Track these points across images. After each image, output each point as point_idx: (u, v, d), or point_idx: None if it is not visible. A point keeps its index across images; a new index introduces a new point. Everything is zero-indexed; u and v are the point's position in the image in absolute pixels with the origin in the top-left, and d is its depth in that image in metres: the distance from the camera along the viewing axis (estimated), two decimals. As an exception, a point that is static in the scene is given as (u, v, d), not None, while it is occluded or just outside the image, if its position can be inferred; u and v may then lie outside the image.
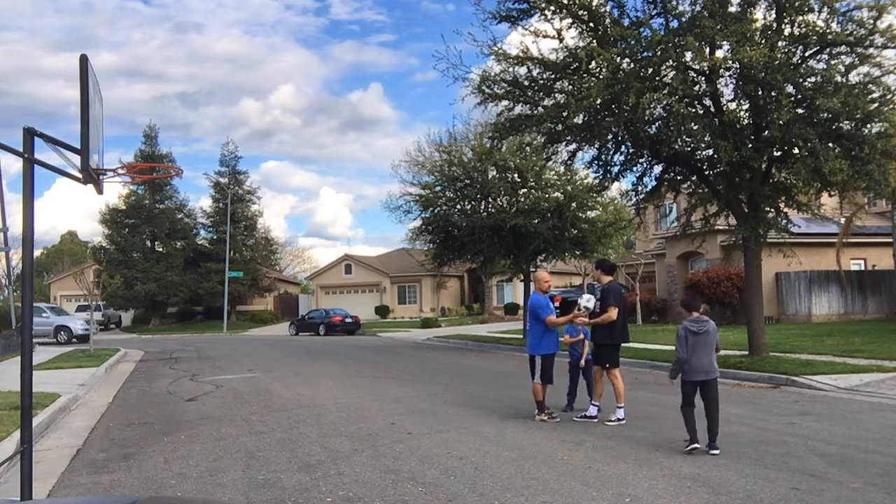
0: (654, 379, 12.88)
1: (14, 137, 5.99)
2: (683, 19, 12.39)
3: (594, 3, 13.13)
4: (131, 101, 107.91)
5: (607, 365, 8.65)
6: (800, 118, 12.00)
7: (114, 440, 8.37)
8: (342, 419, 9.11)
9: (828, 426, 7.93)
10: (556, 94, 14.21)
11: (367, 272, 51.74)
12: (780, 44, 12.30)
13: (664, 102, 12.28)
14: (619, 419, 8.30)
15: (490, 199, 25.48)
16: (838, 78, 12.01)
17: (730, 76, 13.09)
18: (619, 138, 14.23)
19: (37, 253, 53.93)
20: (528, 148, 18.28)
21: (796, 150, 12.72)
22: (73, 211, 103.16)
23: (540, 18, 14.06)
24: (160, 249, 48.34)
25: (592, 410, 8.65)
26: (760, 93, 12.24)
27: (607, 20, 12.97)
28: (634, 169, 14.77)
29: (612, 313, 8.47)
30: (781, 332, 18.94)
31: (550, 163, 20.02)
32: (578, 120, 13.65)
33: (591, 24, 13.19)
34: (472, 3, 14.36)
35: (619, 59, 12.47)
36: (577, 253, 25.97)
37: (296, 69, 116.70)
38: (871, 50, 12.11)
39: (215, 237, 49.08)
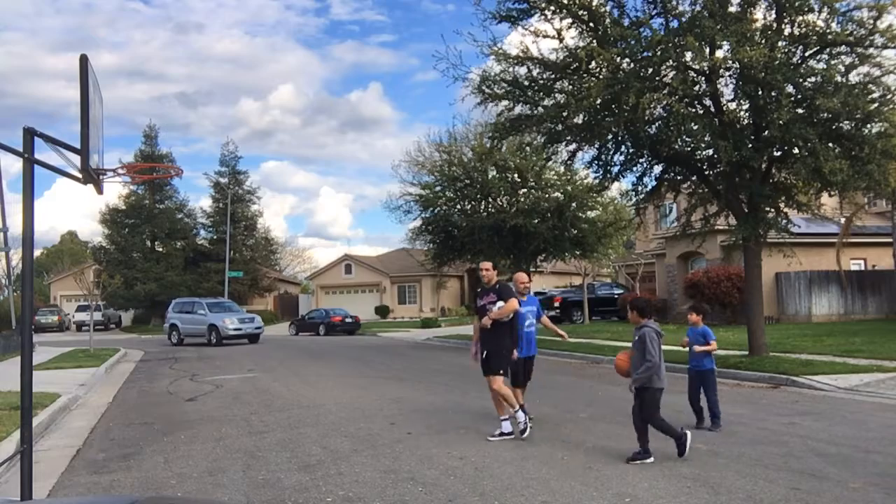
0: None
1: (14, 137, 6.00)
2: (683, 19, 12.38)
3: (594, 3, 13.12)
4: (131, 101, 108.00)
5: (501, 371, 7.74)
6: (800, 118, 12.00)
7: (114, 440, 8.37)
8: (342, 419, 9.11)
9: (828, 426, 7.93)
10: (556, 94, 14.20)
11: (367, 272, 51.75)
12: (780, 44, 12.29)
13: (664, 102, 12.28)
14: (502, 433, 7.53)
15: (490, 199, 25.50)
16: (838, 78, 12.00)
17: (730, 76, 13.09)
18: (619, 138, 14.22)
19: (37, 253, 53.97)
20: (528, 148, 18.28)
21: (796, 150, 12.71)
22: (73, 211, 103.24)
23: (540, 18, 14.06)
24: (160, 249, 48.35)
25: (520, 416, 7.66)
26: (760, 93, 12.23)
27: (607, 20, 12.96)
28: (634, 169, 14.76)
29: (514, 303, 7.71)
30: (781, 332, 18.93)
31: (550, 163, 20.02)
32: (578, 120, 13.64)
33: (591, 24, 13.19)
34: (472, 3, 14.35)
35: (619, 59, 12.46)
36: (577, 253, 25.99)
37: (296, 69, 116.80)
38: (871, 50, 12.10)
39: (215, 237, 49.09)
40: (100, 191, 5.34)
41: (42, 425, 8.81)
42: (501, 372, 7.69)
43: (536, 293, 34.37)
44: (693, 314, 8.22)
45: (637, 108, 11.79)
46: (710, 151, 13.50)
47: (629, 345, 6.79)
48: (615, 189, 20.87)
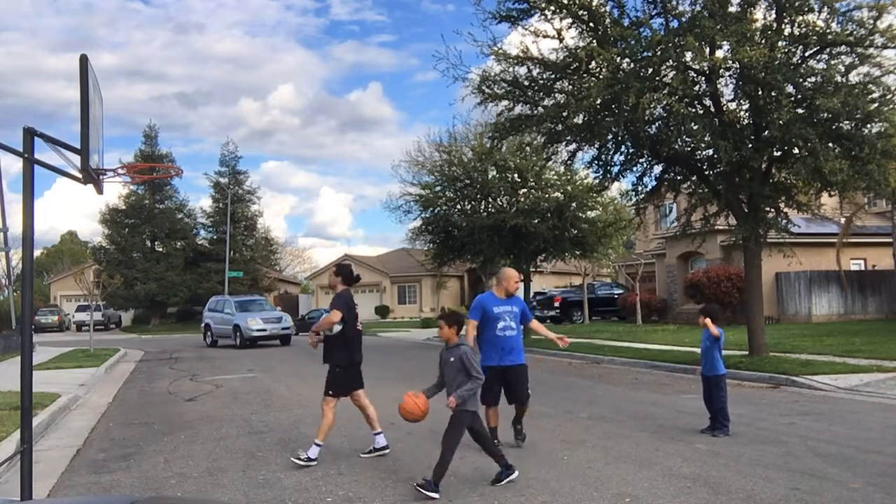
0: (654, 379, 12.88)
1: (14, 137, 5.99)
2: (683, 19, 12.38)
3: (594, 3, 13.11)
4: (131, 101, 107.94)
5: (330, 392, 6.95)
6: (800, 118, 12.00)
7: (114, 440, 8.38)
8: (342, 419, 9.07)
9: (828, 426, 7.93)
10: (556, 94, 14.19)
11: (367, 272, 51.66)
12: (780, 44, 12.29)
13: (664, 102, 12.27)
14: (309, 458, 6.62)
15: (490, 199, 25.49)
16: (838, 78, 12.00)
17: (730, 76, 13.09)
18: (619, 138, 14.22)
19: (37, 253, 53.96)
20: (528, 148, 18.26)
21: (796, 150, 12.72)
22: (73, 211, 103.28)
23: (540, 18, 14.04)
24: (160, 249, 48.38)
25: (314, 451, 6.73)
26: (760, 93, 12.24)
27: (607, 20, 12.96)
28: (634, 169, 14.77)
29: (335, 315, 6.78)
30: (781, 332, 18.93)
31: (550, 163, 20.01)
32: (578, 120, 13.64)
33: (591, 24, 13.18)
34: (472, 3, 14.33)
35: (619, 59, 12.46)
36: (577, 253, 25.98)
37: (296, 69, 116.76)
38: (871, 50, 12.10)
39: (215, 237, 49.10)
40: (100, 191, 5.34)
41: (42, 425, 8.81)
42: (331, 393, 6.91)
43: (536, 293, 34.34)
44: (705, 318, 8.05)
45: (637, 108, 11.79)
46: (710, 151, 13.50)
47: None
48: (615, 189, 20.87)
